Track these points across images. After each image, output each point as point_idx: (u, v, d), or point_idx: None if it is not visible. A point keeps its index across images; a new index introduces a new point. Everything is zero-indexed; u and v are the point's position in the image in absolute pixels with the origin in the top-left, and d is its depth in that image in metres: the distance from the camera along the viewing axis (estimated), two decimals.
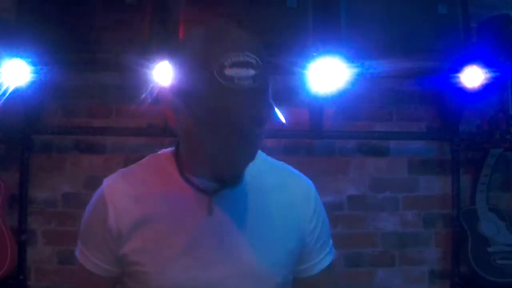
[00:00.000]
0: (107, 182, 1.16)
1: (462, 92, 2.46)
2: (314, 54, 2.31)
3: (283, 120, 1.00)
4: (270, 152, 1.21)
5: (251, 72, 0.93)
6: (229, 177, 1.06)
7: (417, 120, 2.81)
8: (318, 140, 2.69)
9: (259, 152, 1.15)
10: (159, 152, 1.19)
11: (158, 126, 2.66)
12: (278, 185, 1.15)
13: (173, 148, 1.16)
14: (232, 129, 0.95)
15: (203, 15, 2.27)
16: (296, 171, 1.21)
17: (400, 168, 2.81)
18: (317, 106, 2.62)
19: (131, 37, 2.26)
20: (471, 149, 2.75)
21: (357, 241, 2.74)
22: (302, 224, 1.14)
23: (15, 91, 2.30)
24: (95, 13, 2.27)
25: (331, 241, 1.21)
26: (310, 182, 1.20)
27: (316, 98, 2.54)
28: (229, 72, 0.91)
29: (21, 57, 2.23)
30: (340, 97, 2.57)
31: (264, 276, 1.09)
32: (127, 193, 1.12)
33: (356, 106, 2.78)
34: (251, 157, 1.05)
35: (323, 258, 1.18)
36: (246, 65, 0.93)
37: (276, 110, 0.98)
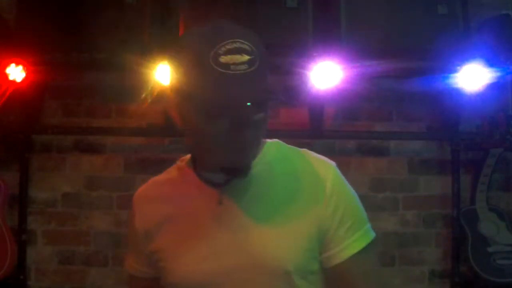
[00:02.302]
0: (137, 191, 1.23)
1: (462, 92, 2.46)
2: (314, 54, 2.31)
3: (283, 100, 1.01)
4: None
5: (245, 57, 0.96)
6: (236, 165, 1.06)
7: (417, 120, 2.81)
8: (318, 140, 2.69)
9: (278, 142, 1.17)
10: (186, 156, 1.21)
11: (158, 126, 2.66)
12: (289, 172, 1.13)
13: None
14: (232, 115, 0.98)
15: (203, 15, 2.27)
16: (315, 156, 1.17)
17: (400, 168, 2.81)
18: (317, 106, 2.62)
19: (131, 37, 2.26)
20: (471, 149, 2.75)
21: None
22: (317, 208, 1.09)
23: (15, 91, 2.30)
24: (95, 13, 2.26)
25: (364, 225, 1.14)
26: (329, 165, 1.15)
27: (316, 98, 2.54)
28: (224, 59, 0.94)
29: (21, 57, 2.24)
30: (340, 97, 2.58)
31: (273, 264, 1.07)
32: (151, 197, 1.19)
33: (356, 106, 2.78)
34: (255, 143, 1.06)
35: (350, 244, 1.10)
36: (239, 51, 0.96)
37: (276, 94, 0.99)
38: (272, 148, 1.14)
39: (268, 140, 1.16)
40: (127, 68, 2.38)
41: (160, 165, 1.23)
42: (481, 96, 2.48)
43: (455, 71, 2.37)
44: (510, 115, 2.53)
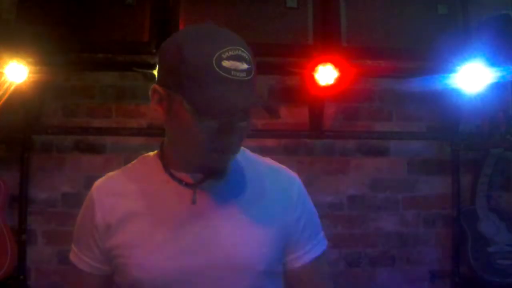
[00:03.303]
0: (96, 183, 1.21)
1: (462, 92, 2.46)
2: (314, 54, 2.31)
3: (273, 111, 1.05)
4: (270, 152, 1.22)
5: (245, 65, 1.00)
6: (217, 167, 1.10)
7: (417, 120, 2.81)
8: (318, 140, 2.69)
9: (242, 149, 1.19)
10: (147, 154, 1.22)
11: (158, 126, 2.66)
12: (257, 177, 1.18)
13: (159, 149, 1.20)
14: (226, 116, 1.01)
15: (203, 15, 2.27)
16: (280, 166, 1.24)
17: (400, 168, 2.81)
18: (317, 106, 2.62)
19: (130, 37, 2.26)
20: (471, 149, 2.75)
21: (357, 241, 2.74)
22: (284, 213, 1.16)
23: (15, 91, 2.30)
24: (95, 13, 2.26)
25: (321, 233, 1.22)
26: (294, 175, 1.23)
27: (316, 98, 2.54)
28: (226, 63, 0.98)
29: (21, 57, 2.24)
30: (340, 97, 2.58)
31: (245, 264, 1.10)
32: (114, 191, 1.17)
33: (356, 106, 2.78)
34: (237, 148, 1.10)
35: (312, 248, 1.19)
36: (240, 58, 1.00)
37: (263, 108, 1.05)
38: (240, 155, 1.17)
39: None
40: (127, 68, 2.39)
41: None
42: (481, 96, 2.48)
43: (455, 71, 2.37)
44: (510, 115, 2.53)
